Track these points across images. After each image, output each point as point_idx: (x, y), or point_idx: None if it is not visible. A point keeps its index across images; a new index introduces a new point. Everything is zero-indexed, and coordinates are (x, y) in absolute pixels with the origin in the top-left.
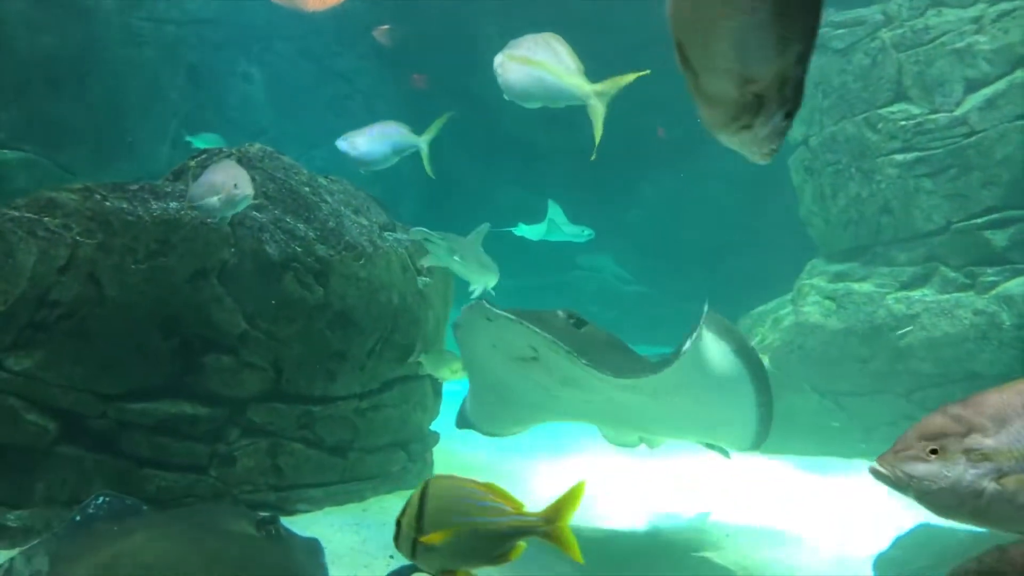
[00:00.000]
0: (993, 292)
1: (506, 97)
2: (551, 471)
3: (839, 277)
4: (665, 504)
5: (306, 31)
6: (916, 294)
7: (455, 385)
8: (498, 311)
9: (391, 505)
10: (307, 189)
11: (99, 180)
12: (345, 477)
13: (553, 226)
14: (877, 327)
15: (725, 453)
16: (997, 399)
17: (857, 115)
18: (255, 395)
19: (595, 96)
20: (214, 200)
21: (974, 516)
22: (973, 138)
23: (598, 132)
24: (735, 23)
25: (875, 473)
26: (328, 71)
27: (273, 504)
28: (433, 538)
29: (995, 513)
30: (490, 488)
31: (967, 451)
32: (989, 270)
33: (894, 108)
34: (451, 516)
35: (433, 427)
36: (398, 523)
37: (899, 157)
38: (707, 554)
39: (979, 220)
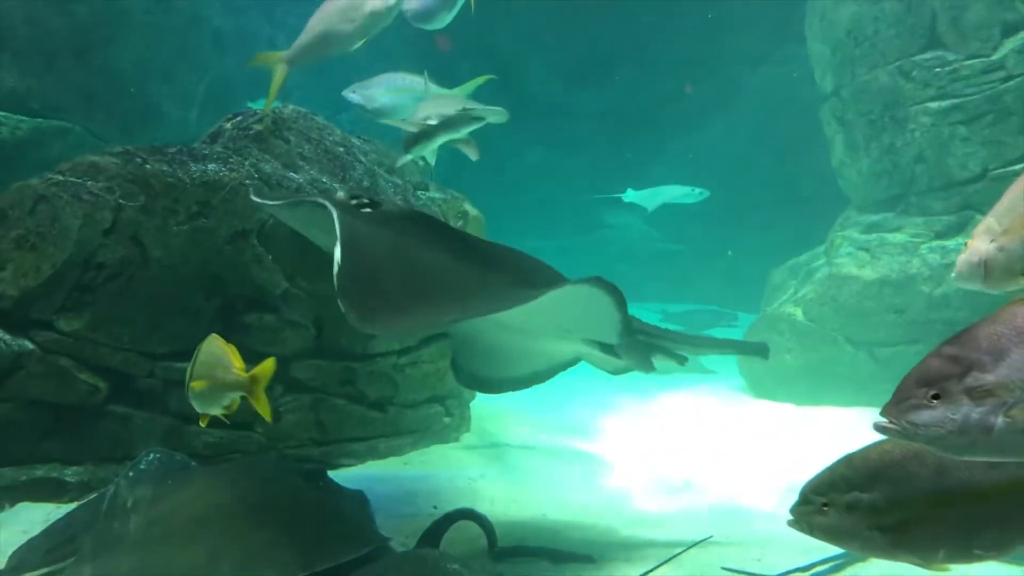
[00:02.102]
0: None
1: (425, 26)
2: (590, 420)
3: (872, 228)
4: (700, 449)
5: None
6: (951, 243)
7: None
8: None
9: (431, 459)
10: (341, 149)
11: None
12: (386, 432)
13: (655, 193)
14: (911, 277)
15: (764, 355)
16: (989, 331)
17: (890, 63)
18: (297, 352)
19: None
20: (358, 18)
21: (988, 452)
22: (1011, 82)
23: None
24: None
25: (881, 428)
26: None
27: (317, 458)
28: (195, 385)
29: (1008, 446)
30: (232, 351)
31: (969, 390)
32: None
33: (928, 55)
34: (208, 370)
35: None
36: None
37: (933, 105)
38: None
39: (1016, 167)
